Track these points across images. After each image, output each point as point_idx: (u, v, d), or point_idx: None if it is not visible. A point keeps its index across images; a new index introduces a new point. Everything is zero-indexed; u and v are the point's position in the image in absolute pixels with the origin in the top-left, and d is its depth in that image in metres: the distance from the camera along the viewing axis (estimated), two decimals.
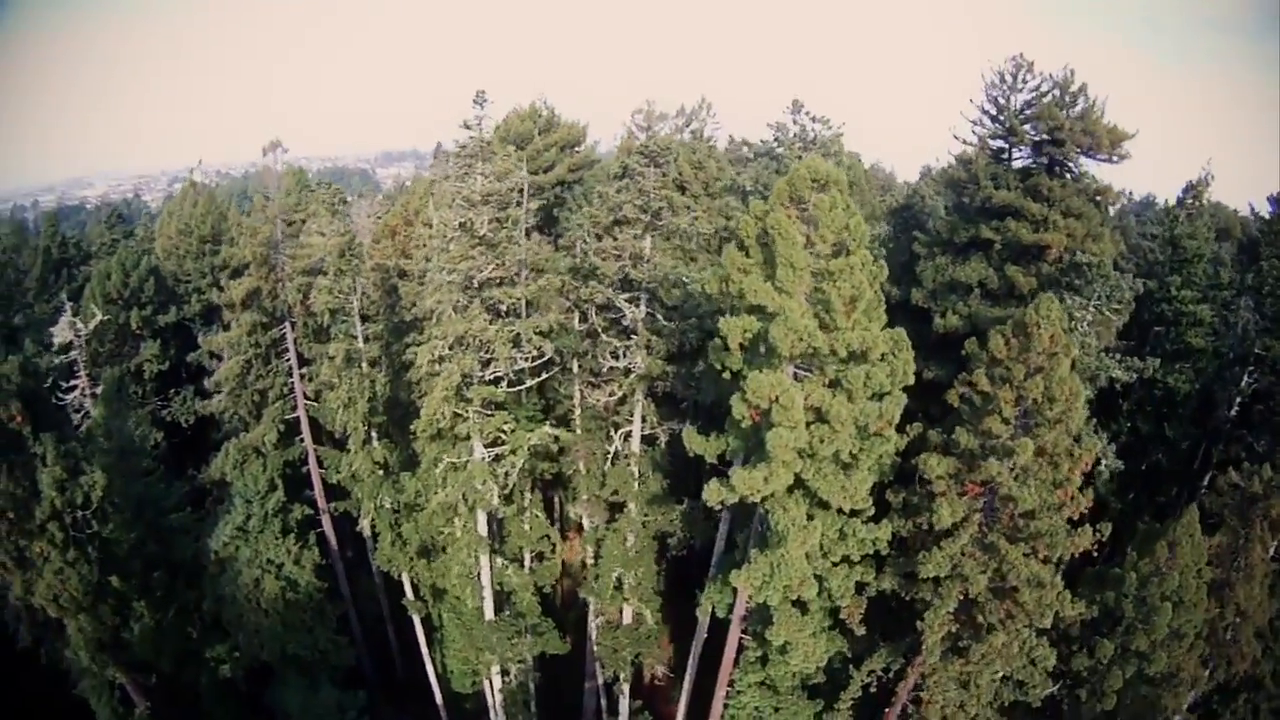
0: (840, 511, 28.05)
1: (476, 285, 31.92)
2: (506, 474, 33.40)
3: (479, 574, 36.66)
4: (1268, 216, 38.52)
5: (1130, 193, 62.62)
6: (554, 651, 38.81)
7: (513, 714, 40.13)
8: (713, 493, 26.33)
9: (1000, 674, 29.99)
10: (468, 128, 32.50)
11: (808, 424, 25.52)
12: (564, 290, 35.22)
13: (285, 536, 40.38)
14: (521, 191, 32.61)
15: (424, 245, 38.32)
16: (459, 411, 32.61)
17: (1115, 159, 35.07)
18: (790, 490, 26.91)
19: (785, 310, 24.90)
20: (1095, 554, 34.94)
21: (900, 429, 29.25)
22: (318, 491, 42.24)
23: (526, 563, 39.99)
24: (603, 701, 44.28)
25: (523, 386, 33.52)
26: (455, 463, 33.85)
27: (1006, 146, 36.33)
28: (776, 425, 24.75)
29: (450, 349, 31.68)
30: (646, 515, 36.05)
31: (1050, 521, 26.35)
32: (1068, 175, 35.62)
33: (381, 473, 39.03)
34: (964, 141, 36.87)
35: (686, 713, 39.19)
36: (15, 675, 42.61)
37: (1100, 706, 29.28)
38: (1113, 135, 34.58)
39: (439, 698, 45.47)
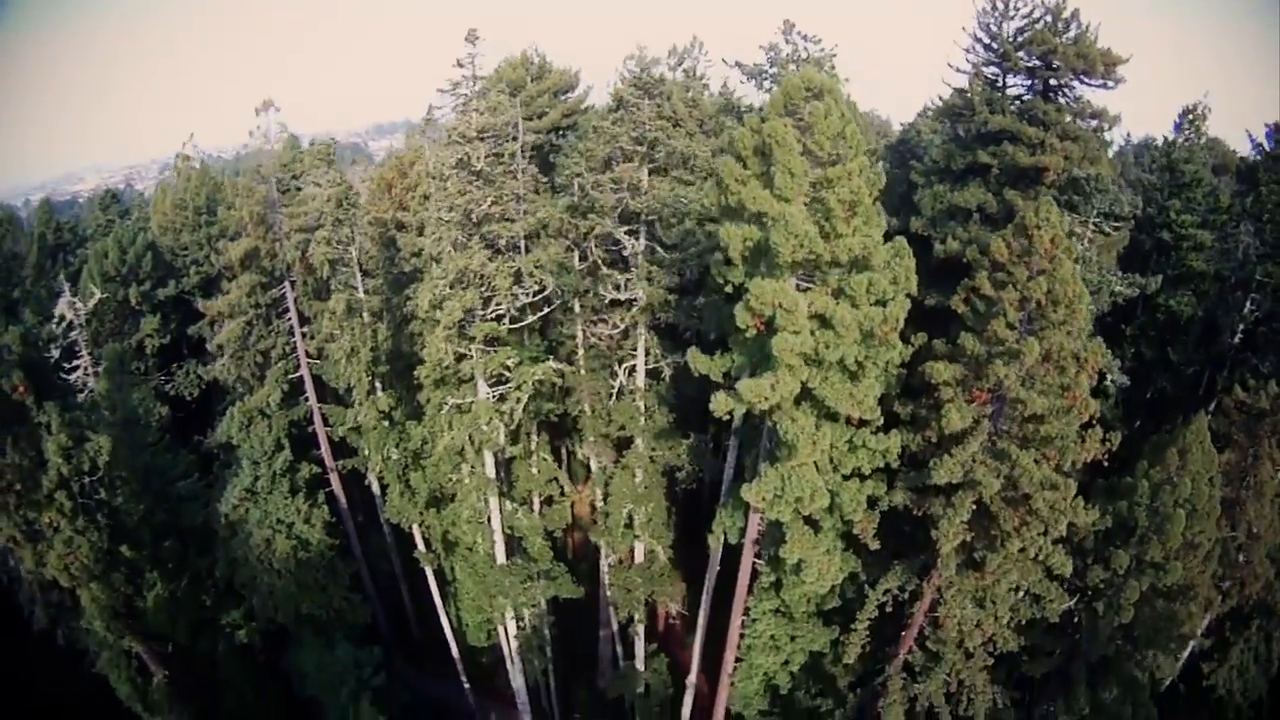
0: (849, 422, 27.61)
1: (475, 221, 31.47)
2: (511, 411, 32.87)
3: (489, 518, 36.12)
4: (1266, 145, 38.02)
5: (1129, 135, 62.18)
6: (567, 596, 38.15)
7: (529, 661, 39.57)
8: (720, 403, 25.79)
9: (1016, 587, 29.50)
10: (460, 65, 32.22)
11: (812, 331, 25.07)
12: (563, 229, 34.82)
13: (294, 496, 40.04)
14: (516, 126, 32.29)
15: (420, 194, 38.13)
16: (461, 350, 32.18)
17: (1110, 83, 34.46)
18: (798, 402, 26.40)
19: (785, 216, 24.36)
20: (1106, 465, 34.61)
21: (905, 341, 29.00)
22: (324, 450, 41.70)
23: (536, 507, 39.50)
24: (618, 648, 43.72)
25: (525, 323, 33.00)
26: (460, 404, 33.43)
27: (1001, 73, 35.84)
28: (781, 330, 24.30)
29: (451, 287, 31.21)
30: (654, 450, 35.48)
31: (1059, 425, 25.83)
32: (1063, 99, 35.23)
33: (387, 423, 38.48)
34: (958, 70, 36.51)
35: (703, 646, 38.61)
36: (33, 658, 42.30)
37: (1118, 620, 28.63)
38: (1106, 58, 33.98)
39: (455, 650, 44.90)
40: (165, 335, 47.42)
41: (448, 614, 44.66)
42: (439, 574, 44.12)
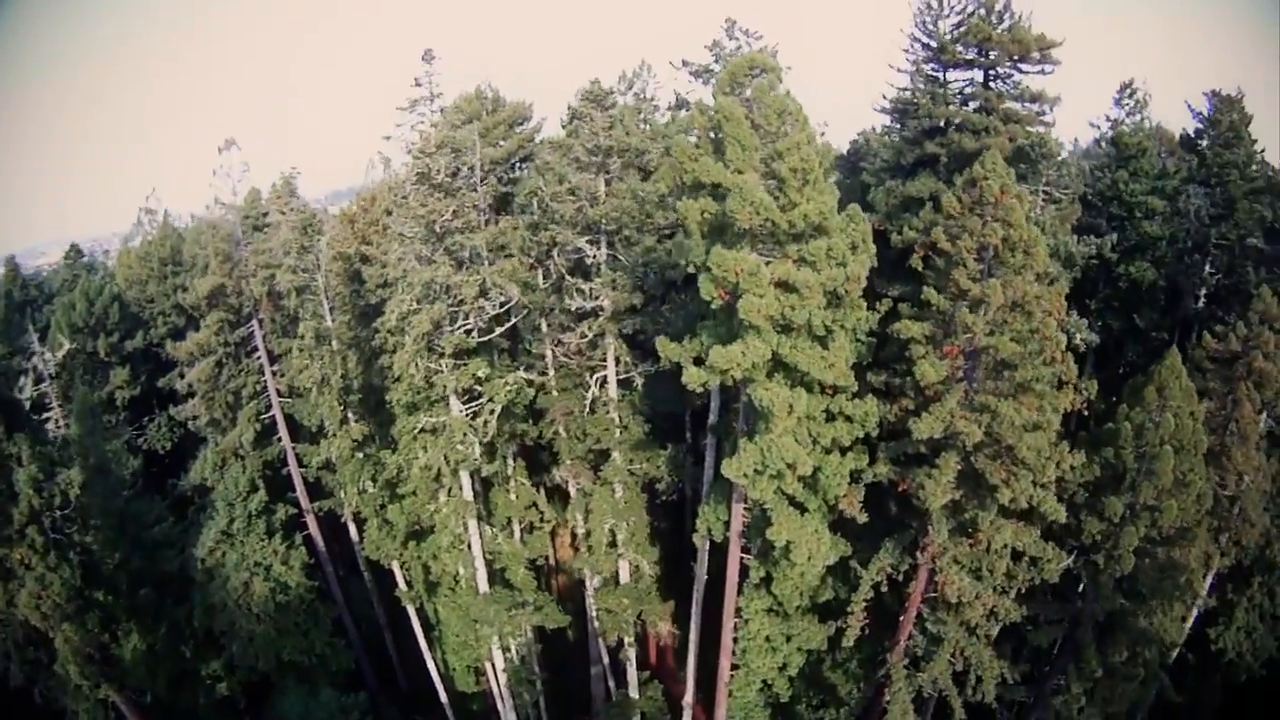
0: (824, 391, 26.83)
1: (438, 234, 31.14)
2: (485, 424, 31.83)
3: (469, 544, 34.55)
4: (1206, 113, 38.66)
5: (1076, 140, 63.11)
6: (553, 625, 36.39)
7: (519, 695, 37.38)
8: (692, 376, 24.97)
9: (1013, 552, 28.25)
10: (418, 84, 32.33)
11: (777, 296, 24.57)
12: (525, 247, 34.40)
13: (271, 538, 38.28)
14: (474, 140, 32.20)
15: (383, 227, 37.74)
16: (432, 365, 31.37)
17: (1046, 67, 35.16)
18: (770, 375, 25.70)
19: (740, 185, 24.25)
20: (1085, 417, 33.79)
21: (870, 308, 28.49)
22: (299, 491, 40.07)
23: (517, 534, 37.97)
24: (610, 684, 41.46)
25: (493, 335, 32.28)
26: (434, 422, 32.38)
27: (941, 69, 36.39)
28: (746, 293, 23.80)
29: (418, 302, 30.65)
30: (632, 462, 34.28)
31: (1033, 369, 25.16)
32: (1003, 86, 35.81)
33: (361, 455, 37.23)
34: (899, 70, 37.04)
35: (697, 662, 36.57)
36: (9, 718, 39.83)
37: (1119, 570, 27.35)
38: (1041, 42, 34.46)
39: (444, 697, 42.41)
40: (135, 387, 46.08)
41: (434, 658, 42.34)
42: (422, 617, 42.01)
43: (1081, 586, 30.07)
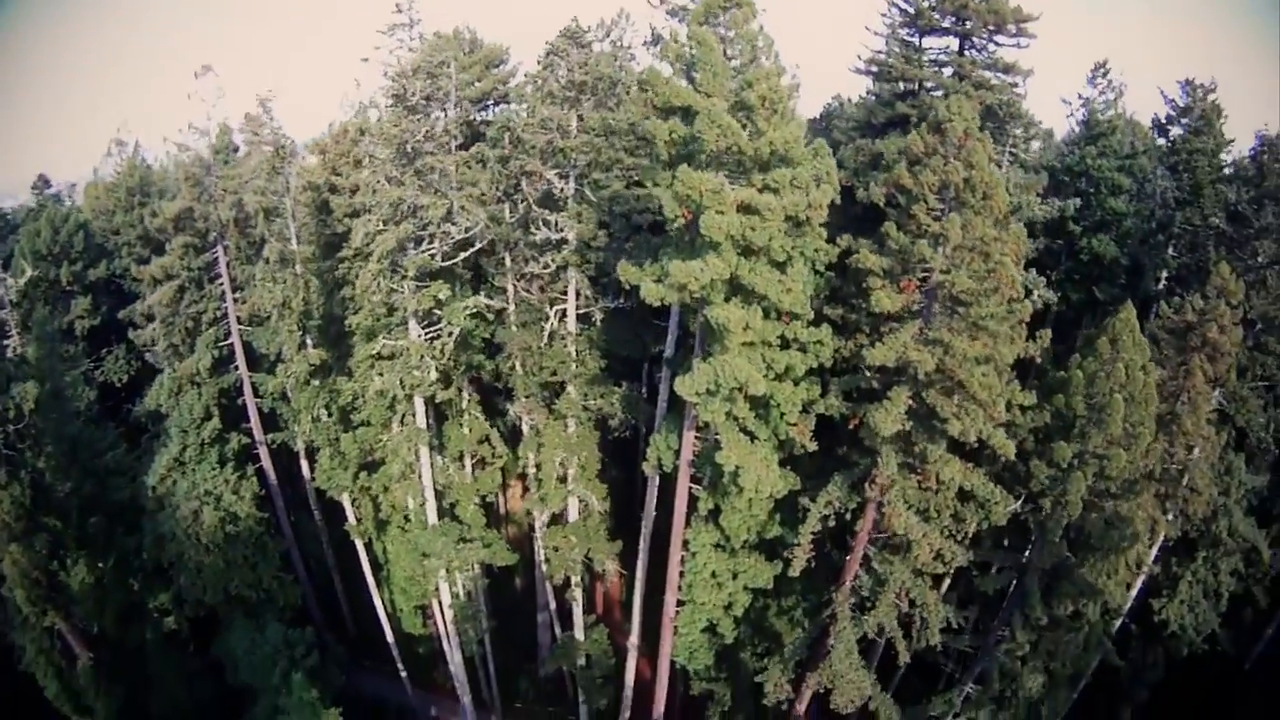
0: (779, 317, 26.74)
1: (410, 155, 30.98)
2: (444, 347, 31.53)
3: (420, 473, 34.12)
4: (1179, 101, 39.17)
5: (1052, 132, 63.35)
6: (501, 563, 35.86)
7: (465, 633, 36.75)
8: (651, 292, 24.58)
9: (958, 485, 28.20)
10: (399, 10, 32.13)
11: (738, 217, 24.52)
12: (494, 180, 34.21)
13: (223, 466, 37.65)
14: (447, 64, 32.07)
15: (353, 159, 37.38)
16: (394, 286, 31.06)
17: (1023, 40, 35.46)
18: (728, 298, 25.61)
19: (708, 108, 24.25)
20: (1040, 370, 33.87)
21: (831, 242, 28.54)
22: (254, 423, 39.26)
23: (468, 469, 37.54)
24: (556, 629, 40.97)
25: (457, 260, 31.98)
26: (393, 347, 32.02)
27: (917, 34, 36.68)
28: (708, 210, 23.71)
29: (384, 223, 30.40)
30: (586, 396, 33.99)
31: (988, 307, 25.21)
32: (978, 55, 36.12)
33: (317, 383, 36.73)
34: (876, 33, 37.30)
35: (643, 604, 36.04)
36: None
37: (1067, 517, 27.26)
38: (1017, 14, 34.73)
39: (390, 637, 41.80)
40: (96, 317, 45.15)
41: (381, 598, 41.70)
42: (371, 557, 41.48)
43: (1029, 527, 29.98)
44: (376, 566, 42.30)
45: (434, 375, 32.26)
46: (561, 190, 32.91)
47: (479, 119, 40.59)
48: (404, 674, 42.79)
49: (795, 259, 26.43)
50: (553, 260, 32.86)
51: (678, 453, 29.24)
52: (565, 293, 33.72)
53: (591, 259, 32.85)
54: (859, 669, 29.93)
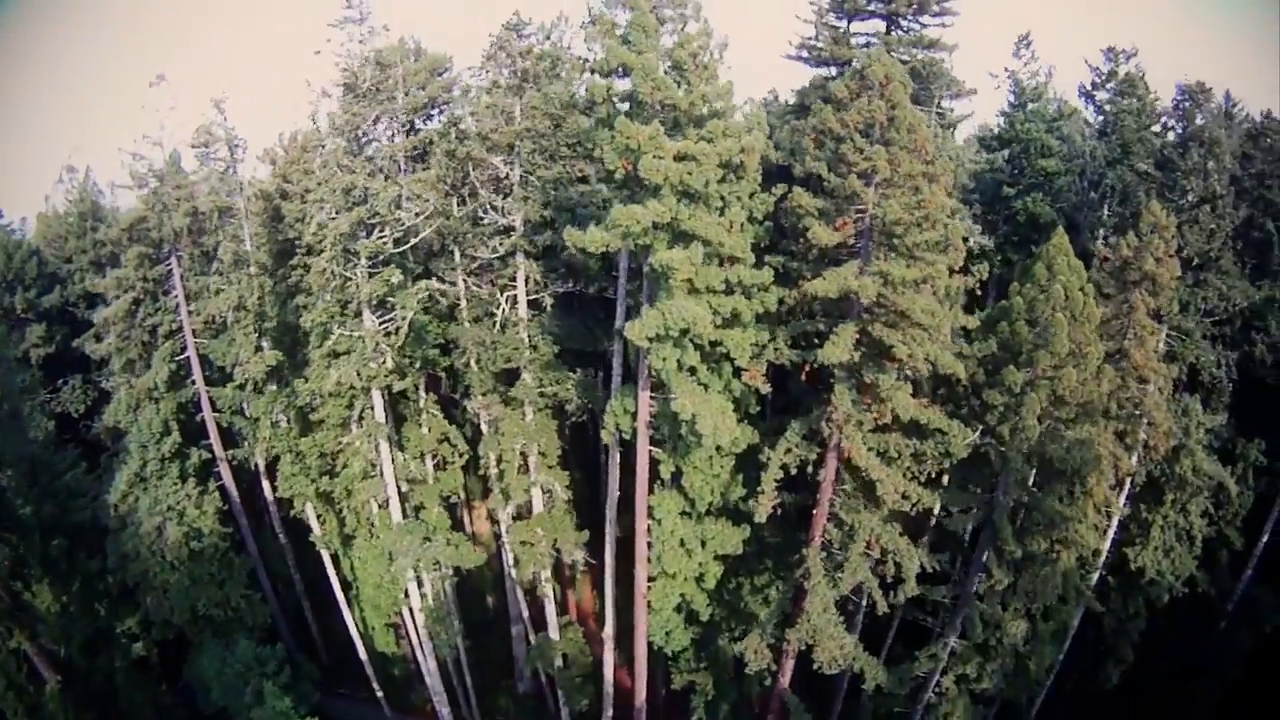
0: (722, 263, 27.19)
1: (360, 142, 31.70)
2: (398, 330, 31.62)
3: (382, 469, 33.83)
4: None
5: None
6: (469, 564, 35.25)
7: (437, 636, 35.86)
8: (595, 239, 24.97)
9: (918, 430, 28.36)
10: (349, 5, 33.13)
11: (677, 164, 25.20)
12: (441, 175, 34.83)
13: (184, 482, 37.13)
14: (395, 64, 33.02)
15: (303, 167, 37.93)
16: (348, 274, 31.33)
17: (946, 19, 36.99)
18: (670, 246, 26.10)
19: (643, 64, 25.25)
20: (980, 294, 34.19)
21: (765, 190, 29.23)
22: (213, 438, 38.68)
23: (430, 473, 37.20)
24: (532, 639, 40.04)
25: (408, 245, 32.34)
26: (349, 339, 32.07)
27: (844, 17, 38.22)
28: (646, 155, 24.42)
29: (337, 211, 30.86)
30: (542, 383, 34.07)
31: (921, 234, 25.80)
32: (903, 35, 37.63)
33: (274, 388, 36.56)
34: (804, 20, 38.82)
35: (615, 584, 35.35)
36: None
37: (1025, 441, 27.31)
38: None
39: (363, 654, 40.70)
40: (51, 345, 44.71)
41: (353, 616, 40.73)
42: (340, 576, 40.73)
43: (996, 476, 30.03)
44: (345, 585, 41.38)
45: (390, 365, 32.21)
46: (507, 177, 33.60)
47: (424, 127, 41.44)
48: (380, 694, 41.51)
49: (732, 203, 27.12)
50: (501, 244, 33.34)
51: (634, 415, 29.23)
52: (515, 279, 34.10)
53: (539, 243, 33.37)
54: (837, 625, 29.53)
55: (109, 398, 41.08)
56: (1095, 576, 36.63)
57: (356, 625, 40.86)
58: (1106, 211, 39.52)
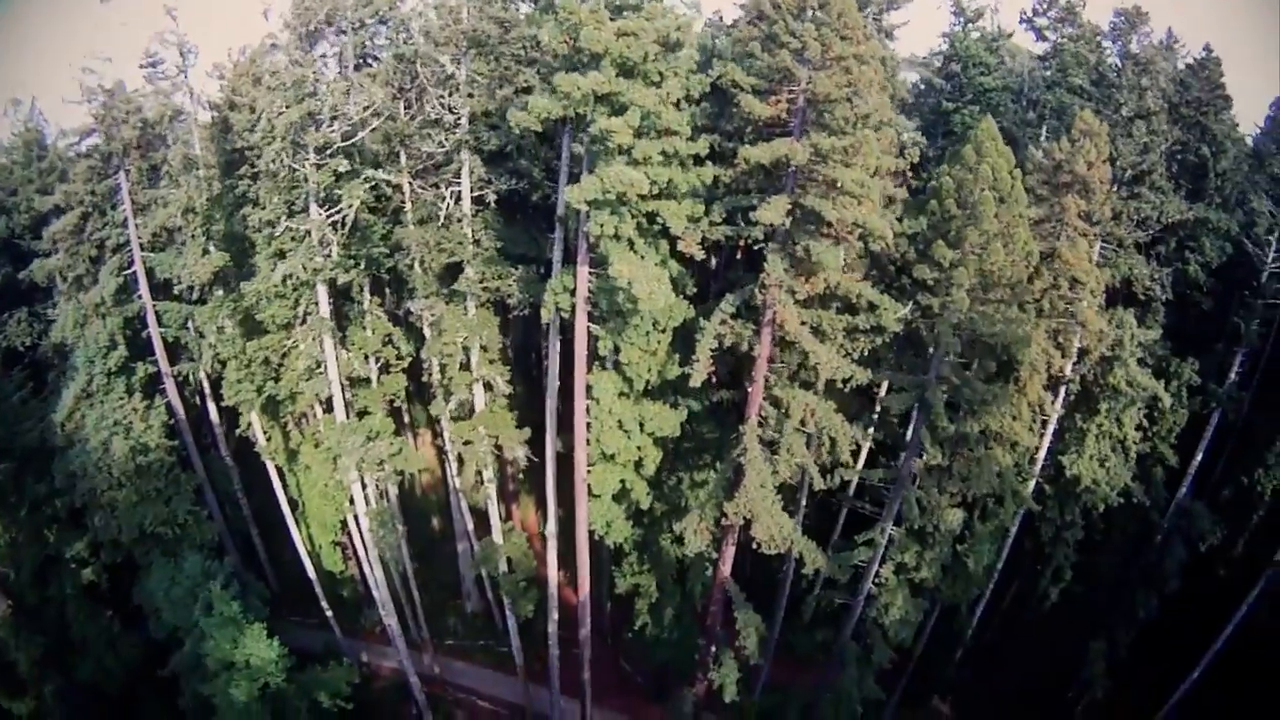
0: (659, 135, 28.33)
1: (311, 37, 32.62)
2: (345, 219, 32.45)
3: (326, 367, 34.50)
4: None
5: None
6: (412, 468, 36.09)
7: (384, 540, 36.34)
8: (539, 106, 26.26)
9: (850, 307, 29.54)
10: None
11: (616, 38, 26.42)
12: (389, 77, 35.82)
13: (130, 396, 37.51)
14: None
15: (252, 77, 38.78)
16: (296, 166, 32.11)
17: None
18: (610, 117, 27.20)
19: None
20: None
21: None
22: (159, 354, 39.13)
23: (374, 375, 37.97)
24: (475, 548, 40.66)
25: (358, 137, 33.23)
26: (295, 230, 32.82)
27: None
28: (585, 26, 25.63)
29: (287, 106, 31.69)
30: (484, 278, 34.96)
31: (852, 110, 27.12)
32: None
33: (221, 293, 37.25)
34: None
35: (555, 478, 35.95)
36: None
37: (956, 313, 28.54)
38: None
39: (312, 573, 41.08)
40: None
41: (300, 534, 41.15)
42: (286, 492, 41.22)
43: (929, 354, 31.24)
44: (292, 505, 41.83)
45: (335, 257, 32.99)
46: (454, 76, 34.67)
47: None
48: (329, 613, 41.88)
49: (669, 77, 28.32)
50: (447, 140, 34.34)
51: (573, 292, 30.23)
52: (459, 175, 35.11)
53: (484, 140, 34.43)
54: (775, 502, 30.39)
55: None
56: (1032, 484, 38.04)
57: (304, 544, 41.29)
58: (1045, 131, 41.33)
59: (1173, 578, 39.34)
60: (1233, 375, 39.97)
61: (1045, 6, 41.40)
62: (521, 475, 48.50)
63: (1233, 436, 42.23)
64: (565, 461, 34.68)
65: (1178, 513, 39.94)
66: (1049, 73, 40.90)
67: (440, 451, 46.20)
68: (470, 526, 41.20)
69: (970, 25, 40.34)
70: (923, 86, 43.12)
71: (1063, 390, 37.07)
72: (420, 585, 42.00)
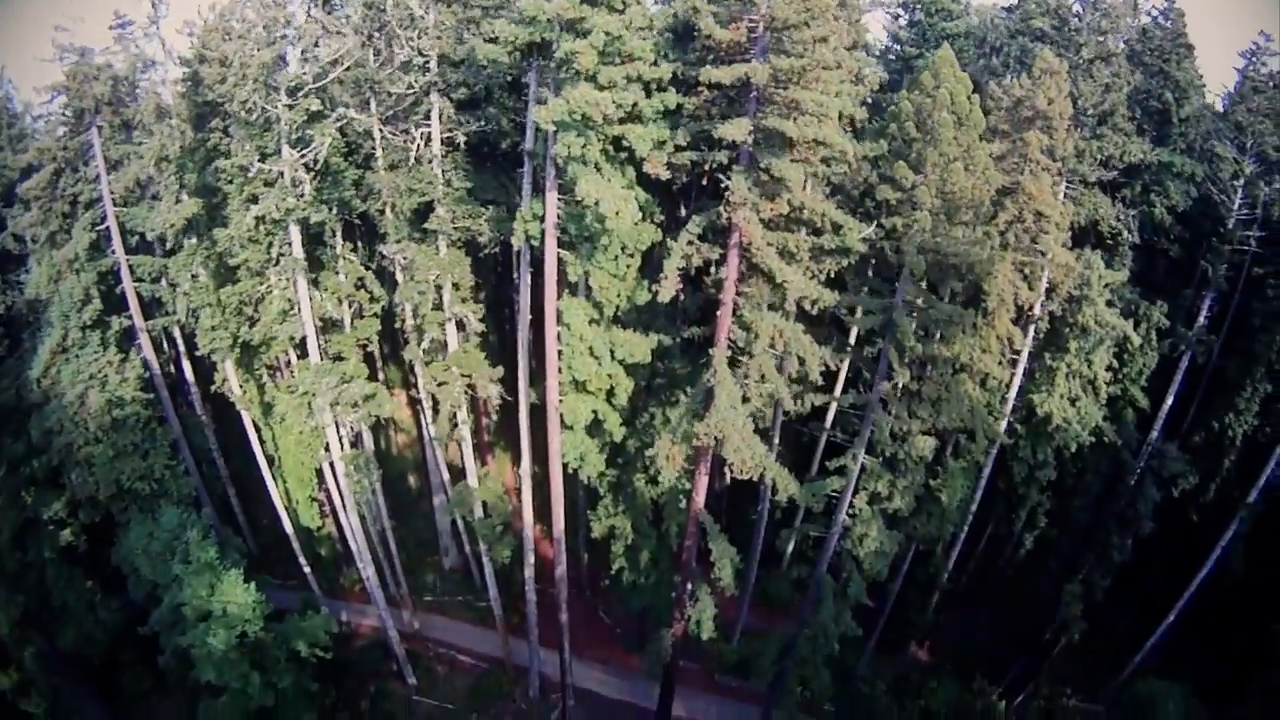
0: (623, 62, 29.29)
1: None
2: (316, 158, 33.25)
3: (299, 306, 35.15)
4: None
5: None
6: (387, 413, 36.71)
7: (359, 484, 36.86)
8: (506, 30, 27.54)
9: (813, 228, 30.44)
10: None
11: None
12: (358, 28, 36.77)
13: (106, 349, 38.30)
14: None
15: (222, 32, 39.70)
16: (269, 107, 32.92)
17: None
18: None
19: None
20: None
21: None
22: (133, 309, 39.65)
23: (347, 321, 38.67)
24: (450, 496, 41.27)
25: (329, 78, 34.11)
26: (266, 173, 33.57)
27: None
28: None
29: (259, 48, 32.56)
30: (455, 218, 35.66)
31: (810, 33, 28.11)
32: None
33: (194, 241, 37.95)
34: None
35: (529, 418, 37.07)
36: None
37: (921, 233, 29.50)
38: None
39: (289, 527, 41.58)
40: None
41: (277, 489, 41.72)
42: (262, 448, 41.75)
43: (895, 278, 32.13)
44: (269, 462, 42.37)
45: (308, 197, 33.73)
46: (423, 17, 35.67)
47: None
48: (308, 570, 42.33)
49: (631, 4, 29.33)
50: (416, 82, 35.28)
51: (543, 219, 31.05)
52: (429, 117, 36.01)
53: (453, 81, 35.40)
54: (746, 423, 31.03)
55: (30, 304, 42.01)
56: (1004, 424, 38.90)
57: (281, 499, 41.83)
58: (1010, 78, 42.48)
59: (1146, 519, 40.13)
60: (1201, 319, 41.02)
61: None
62: (496, 428, 49.20)
63: (1203, 381, 43.22)
64: (539, 408, 35.37)
65: (1150, 454, 40.76)
66: (1013, 22, 42.21)
67: (415, 404, 46.88)
68: (446, 478, 41.92)
69: None
70: (888, 43, 44.37)
71: (1032, 329, 37.99)
72: (398, 543, 42.61)
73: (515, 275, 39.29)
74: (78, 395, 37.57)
